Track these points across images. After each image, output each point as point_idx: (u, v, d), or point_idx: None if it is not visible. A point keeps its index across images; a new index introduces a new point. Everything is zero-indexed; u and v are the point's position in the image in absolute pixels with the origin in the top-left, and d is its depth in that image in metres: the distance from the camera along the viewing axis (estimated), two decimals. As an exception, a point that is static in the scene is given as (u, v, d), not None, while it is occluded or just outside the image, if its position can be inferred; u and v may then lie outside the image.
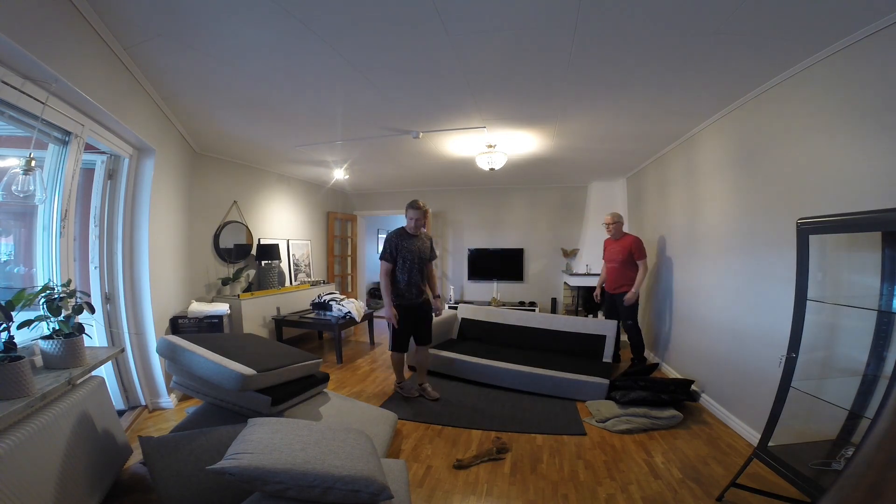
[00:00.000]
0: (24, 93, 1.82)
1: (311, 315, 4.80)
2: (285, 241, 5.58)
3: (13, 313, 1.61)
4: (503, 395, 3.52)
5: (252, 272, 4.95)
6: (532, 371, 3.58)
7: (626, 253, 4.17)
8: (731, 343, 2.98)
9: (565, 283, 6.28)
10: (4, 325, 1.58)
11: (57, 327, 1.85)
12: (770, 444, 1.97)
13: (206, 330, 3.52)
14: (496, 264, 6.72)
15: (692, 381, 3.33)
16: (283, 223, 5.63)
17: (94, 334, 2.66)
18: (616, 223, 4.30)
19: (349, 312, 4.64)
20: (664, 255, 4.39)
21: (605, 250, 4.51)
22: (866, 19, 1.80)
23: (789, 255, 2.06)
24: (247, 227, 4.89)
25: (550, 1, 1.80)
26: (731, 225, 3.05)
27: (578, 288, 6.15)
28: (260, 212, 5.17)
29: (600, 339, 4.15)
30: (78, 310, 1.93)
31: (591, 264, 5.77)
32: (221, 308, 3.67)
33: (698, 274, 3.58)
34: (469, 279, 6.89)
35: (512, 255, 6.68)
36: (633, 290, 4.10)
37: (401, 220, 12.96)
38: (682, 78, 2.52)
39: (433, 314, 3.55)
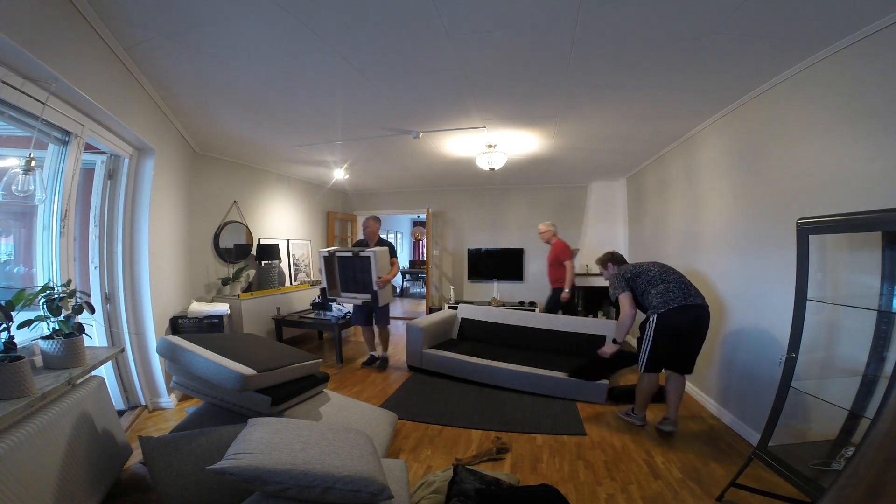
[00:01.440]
0: (24, 93, 1.81)
1: (311, 315, 4.80)
2: (285, 241, 5.59)
3: (13, 313, 1.61)
4: (503, 395, 3.52)
5: (252, 272, 4.95)
6: (532, 371, 3.58)
7: (554, 255, 4.82)
8: (731, 343, 2.98)
9: (565, 283, 6.28)
10: (4, 325, 1.58)
11: (57, 327, 1.85)
12: (770, 444, 1.97)
13: (206, 330, 3.52)
14: (496, 264, 6.72)
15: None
16: (283, 223, 5.63)
17: (94, 334, 2.66)
18: (545, 231, 4.94)
19: (349, 312, 4.64)
20: (664, 255, 4.38)
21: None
22: (867, 19, 1.80)
23: (789, 254, 2.06)
24: (247, 227, 4.89)
25: (551, 1, 1.80)
26: (731, 224, 3.05)
27: (578, 288, 6.14)
28: (260, 212, 5.17)
29: (601, 340, 4.14)
30: (78, 310, 1.93)
31: (591, 264, 5.77)
32: (221, 308, 3.67)
33: (698, 273, 3.58)
34: (469, 279, 6.89)
35: (512, 255, 6.68)
36: (565, 289, 4.70)
37: (401, 220, 12.59)
38: (682, 78, 2.52)
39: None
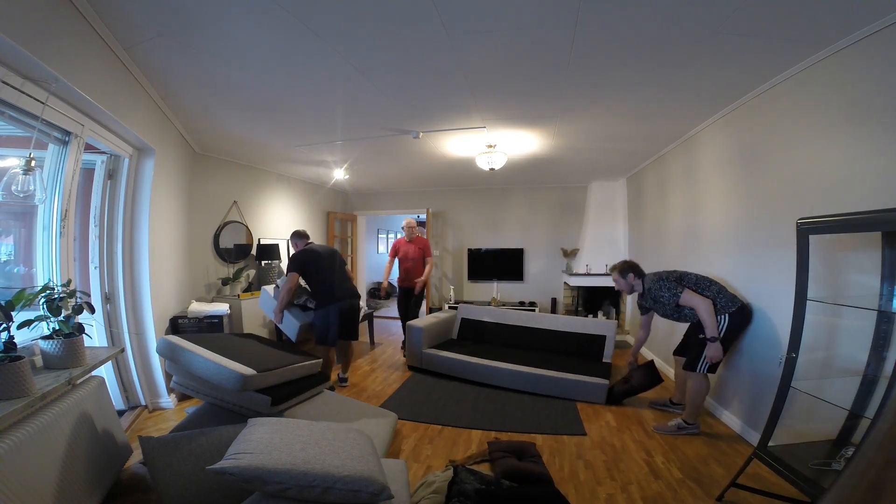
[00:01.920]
0: (24, 93, 1.82)
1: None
2: (285, 241, 5.58)
3: (13, 313, 1.61)
4: (503, 396, 3.53)
5: (252, 272, 4.95)
6: (532, 371, 3.58)
7: (420, 252, 5.04)
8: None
9: (565, 283, 6.28)
10: (4, 325, 1.58)
11: (57, 327, 1.85)
12: (770, 444, 1.97)
13: (206, 330, 3.52)
14: (496, 264, 6.72)
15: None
16: (283, 223, 5.63)
17: (94, 334, 2.66)
18: (416, 226, 5.22)
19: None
20: (664, 255, 4.39)
21: (398, 251, 5.17)
22: (867, 19, 1.80)
23: (789, 255, 2.06)
24: (247, 227, 4.89)
25: (551, 1, 1.80)
26: (731, 225, 3.05)
27: (578, 288, 6.15)
28: (260, 212, 5.17)
29: (600, 340, 4.15)
30: (78, 310, 1.93)
31: (591, 264, 5.77)
32: (221, 308, 3.67)
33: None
34: (469, 279, 6.88)
35: (512, 255, 6.68)
36: (422, 278, 4.92)
37: (401, 220, 12.53)
38: (682, 77, 2.52)
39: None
